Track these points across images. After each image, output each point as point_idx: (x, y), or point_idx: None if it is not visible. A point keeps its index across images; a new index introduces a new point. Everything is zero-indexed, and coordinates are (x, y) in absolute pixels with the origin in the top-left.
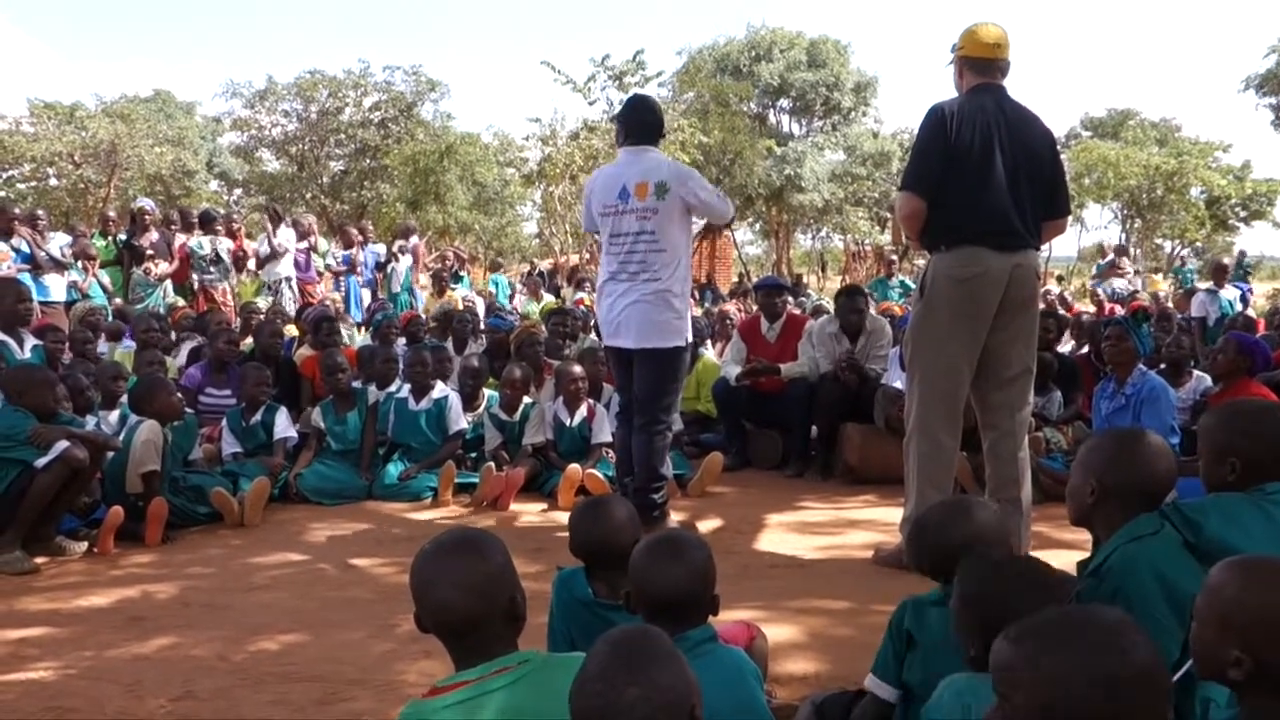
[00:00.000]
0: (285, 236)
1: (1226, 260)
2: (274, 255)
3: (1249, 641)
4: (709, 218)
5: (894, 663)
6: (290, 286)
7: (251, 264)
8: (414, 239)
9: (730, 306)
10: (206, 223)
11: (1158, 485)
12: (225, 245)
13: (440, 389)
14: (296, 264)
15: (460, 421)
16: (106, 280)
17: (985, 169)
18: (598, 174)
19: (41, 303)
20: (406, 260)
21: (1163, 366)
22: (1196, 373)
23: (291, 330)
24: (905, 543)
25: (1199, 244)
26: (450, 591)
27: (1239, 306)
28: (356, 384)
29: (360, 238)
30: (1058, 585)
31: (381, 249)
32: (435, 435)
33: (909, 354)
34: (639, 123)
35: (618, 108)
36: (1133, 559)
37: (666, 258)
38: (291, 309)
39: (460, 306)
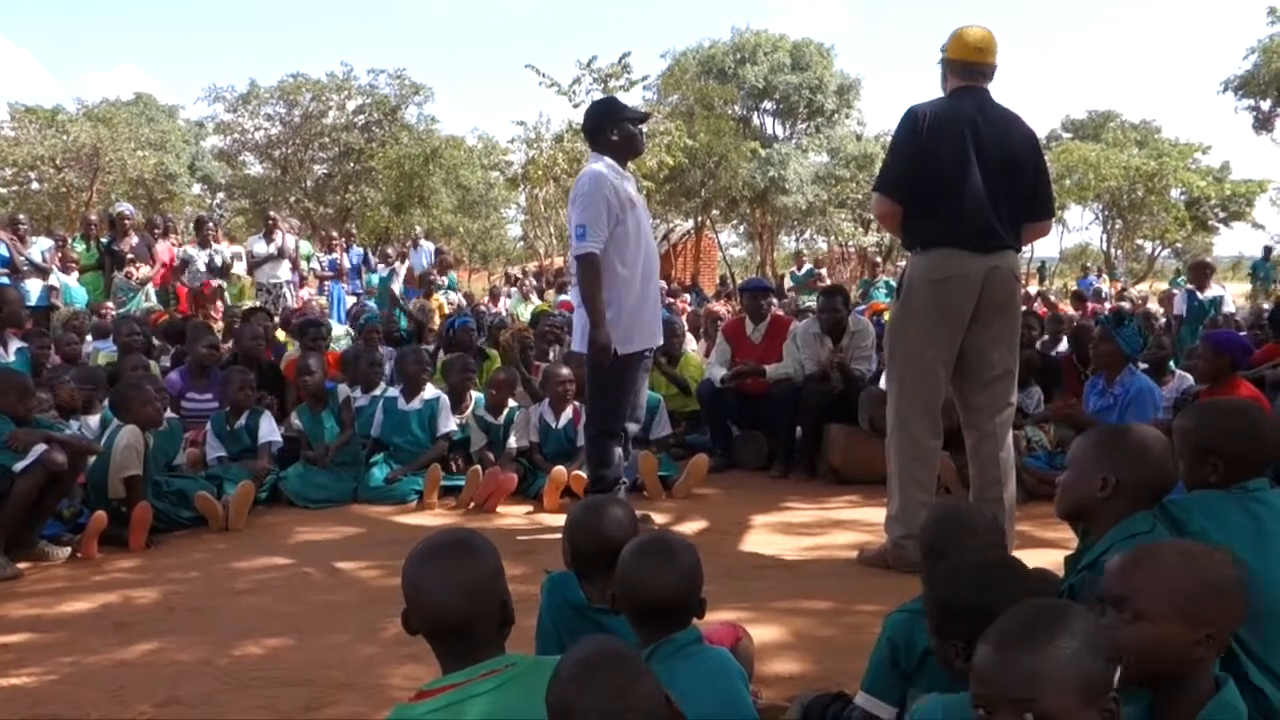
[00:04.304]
0: (287, 242)
1: (1208, 259)
2: (275, 257)
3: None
4: None
5: (893, 679)
6: (290, 290)
7: (241, 267)
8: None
9: (720, 307)
10: (199, 228)
11: (1169, 482)
12: (229, 252)
13: (431, 390)
14: None
15: (450, 423)
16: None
17: (960, 171)
18: None
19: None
20: (405, 266)
21: (1144, 366)
22: (1179, 372)
23: (280, 335)
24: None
25: (1178, 244)
26: (445, 592)
27: (1228, 306)
28: (341, 386)
29: (343, 242)
30: (1036, 583)
31: (364, 251)
32: (425, 435)
33: (888, 355)
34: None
35: None
36: None
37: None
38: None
39: (446, 310)
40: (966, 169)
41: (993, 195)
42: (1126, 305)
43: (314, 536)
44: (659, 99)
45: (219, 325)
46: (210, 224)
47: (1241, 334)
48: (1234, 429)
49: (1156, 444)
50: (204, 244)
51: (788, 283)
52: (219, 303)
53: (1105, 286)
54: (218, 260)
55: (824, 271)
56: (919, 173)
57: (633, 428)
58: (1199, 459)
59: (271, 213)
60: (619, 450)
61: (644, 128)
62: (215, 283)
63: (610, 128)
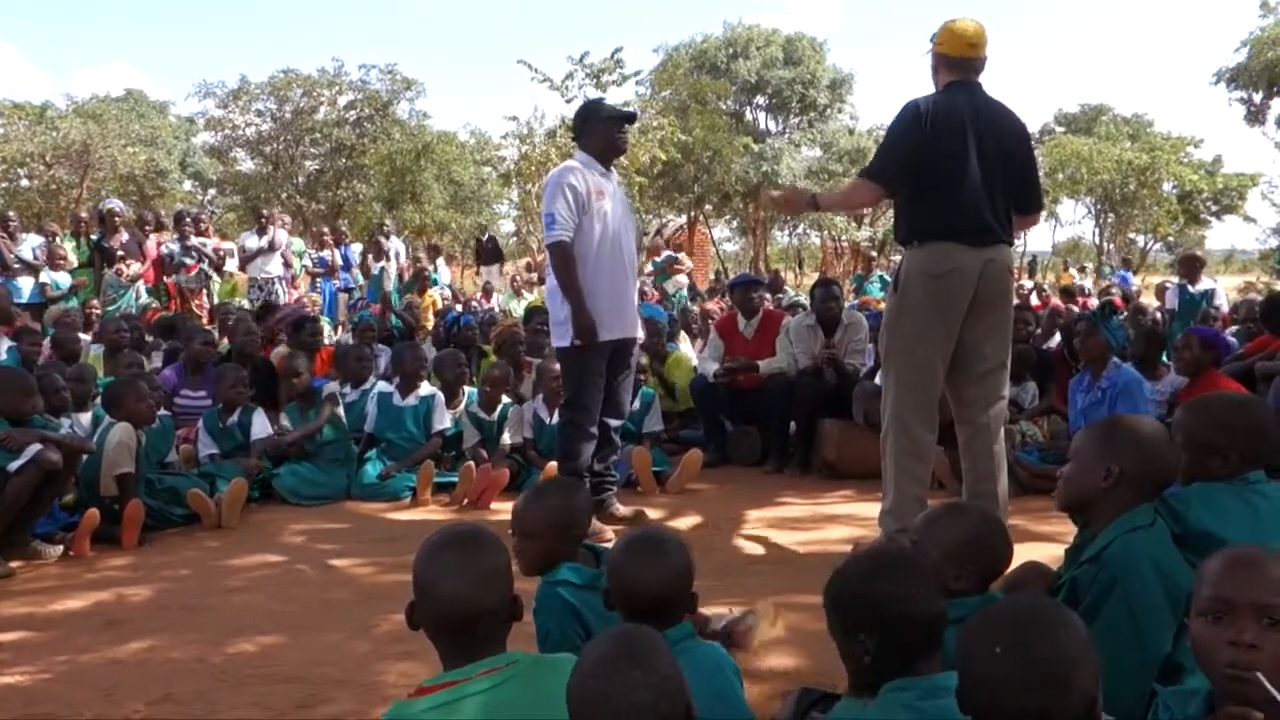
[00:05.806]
0: (279, 237)
1: (1198, 253)
2: (266, 250)
3: None
4: None
5: None
6: (281, 285)
7: (233, 263)
8: (394, 240)
9: (713, 305)
10: (178, 223)
11: (1172, 473)
12: (201, 243)
13: (426, 387)
14: None
15: (444, 420)
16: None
17: (959, 165)
18: None
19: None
20: (394, 265)
21: (1136, 360)
22: (1172, 366)
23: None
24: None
25: (1171, 238)
26: (462, 582)
27: (1219, 299)
28: (333, 384)
29: (333, 239)
30: (926, 576)
31: (357, 248)
32: (420, 432)
33: (884, 349)
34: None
35: None
36: (1133, 549)
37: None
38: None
39: (439, 305)
40: (965, 164)
41: (989, 189)
42: (1113, 297)
43: (307, 534)
44: (651, 94)
45: (205, 322)
46: (189, 218)
47: (1231, 329)
48: (1242, 423)
49: (1158, 435)
50: (184, 238)
51: (648, 268)
52: (203, 297)
53: (1089, 283)
54: (193, 254)
55: (683, 256)
56: (917, 166)
57: (614, 423)
58: (1207, 453)
59: (264, 209)
60: (587, 447)
61: (628, 128)
62: (190, 275)
63: (590, 128)
